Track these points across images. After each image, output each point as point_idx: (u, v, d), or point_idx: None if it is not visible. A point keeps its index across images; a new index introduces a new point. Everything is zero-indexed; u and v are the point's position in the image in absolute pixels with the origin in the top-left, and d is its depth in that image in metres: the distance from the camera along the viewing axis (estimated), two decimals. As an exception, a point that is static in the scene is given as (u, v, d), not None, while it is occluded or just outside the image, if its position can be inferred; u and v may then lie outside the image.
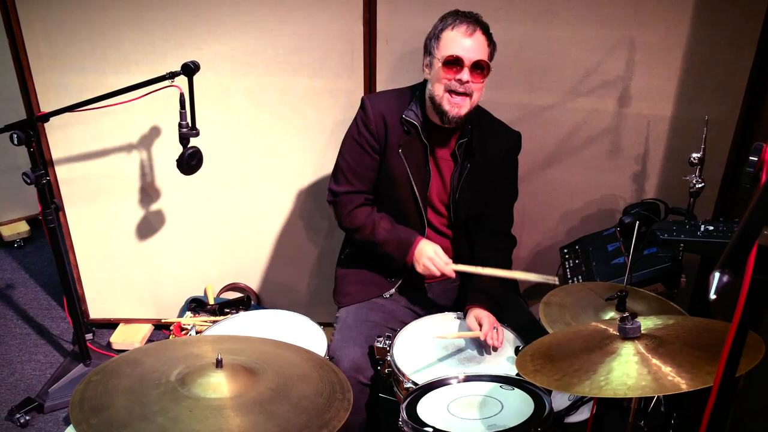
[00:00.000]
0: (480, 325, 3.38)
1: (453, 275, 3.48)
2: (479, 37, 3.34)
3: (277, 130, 4.41)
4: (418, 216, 3.64)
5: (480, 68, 3.34)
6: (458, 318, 3.58)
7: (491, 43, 3.41)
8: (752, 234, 1.58)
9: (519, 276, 3.42)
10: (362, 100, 3.61)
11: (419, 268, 3.51)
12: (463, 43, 3.32)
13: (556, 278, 3.31)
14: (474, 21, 3.36)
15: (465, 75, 3.32)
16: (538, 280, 3.34)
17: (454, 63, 3.32)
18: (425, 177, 3.58)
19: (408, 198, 3.60)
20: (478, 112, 3.59)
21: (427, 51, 3.46)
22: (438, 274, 3.47)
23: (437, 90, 3.39)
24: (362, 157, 3.59)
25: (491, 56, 3.42)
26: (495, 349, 3.36)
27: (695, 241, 3.14)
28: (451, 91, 3.35)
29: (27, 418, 4.15)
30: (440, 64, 3.35)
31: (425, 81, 3.52)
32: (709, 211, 4.23)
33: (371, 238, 3.60)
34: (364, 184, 3.63)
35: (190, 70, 3.76)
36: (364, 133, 3.55)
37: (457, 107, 3.36)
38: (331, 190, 3.69)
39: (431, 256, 3.47)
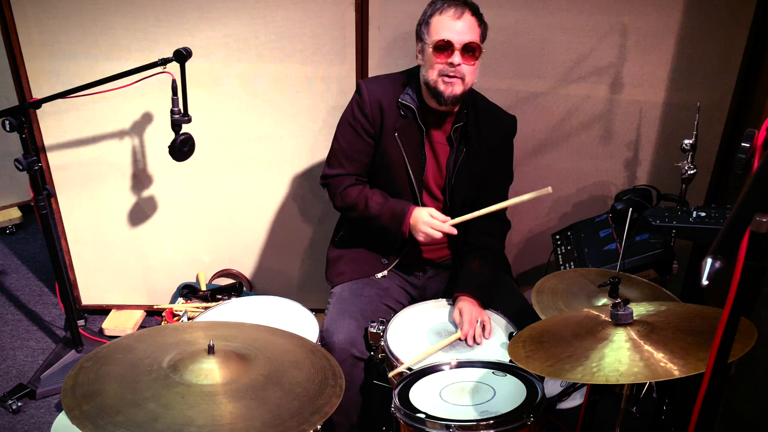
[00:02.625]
0: (461, 316, 3.41)
1: (454, 232, 3.47)
2: (468, 18, 3.34)
3: (269, 117, 4.40)
4: (413, 200, 3.62)
5: (471, 50, 3.34)
6: (450, 304, 3.59)
7: (482, 24, 3.40)
8: (744, 220, 1.58)
9: (513, 202, 3.40)
10: (358, 84, 3.61)
11: (420, 237, 3.50)
12: (452, 26, 3.32)
13: (549, 188, 3.29)
14: (462, 3, 3.36)
15: (456, 58, 3.32)
16: (531, 196, 3.32)
17: (444, 47, 3.33)
18: (421, 161, 3.58)
19: (404, 182, 3.60)
20: (473, 96, 3.60)
21: (419, 37, 3.46)
22: (440, 236, 3.47)
23: (431, 75, 3.40)
24: (357, 141, 3.59)
25: (483, 37, 3.42)
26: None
27: (687, 228, 3.15)
28: (443, 75, 3.36)
29: (19, 404, 4.15)
30: (431, 49, 3.36)
31: (419, 66, 3.52)
32: (701, 197, 4.24)
33: (365, 213, 3.60)
34: (356, 168, 3.64)
35: (182, 56, 3.75)
36: (359, 117, 3.55)
37: (451, 86, 3.36)
38: (323, 173, 3.70)
39: (426, 220, 3.46)
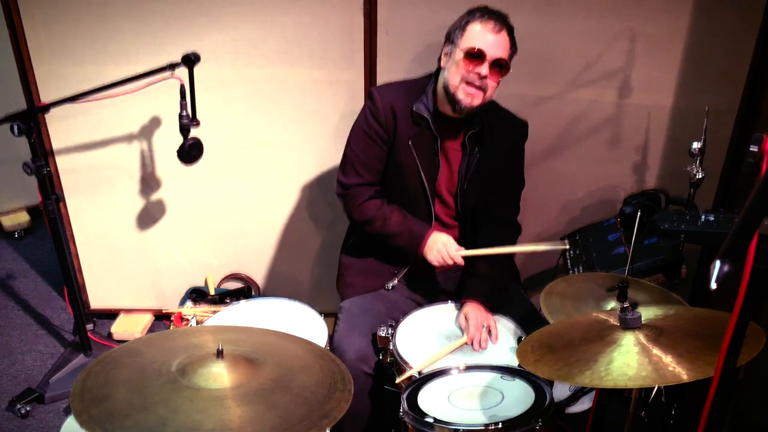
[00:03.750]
0: (467, 321, 3.41)
1: (462, 263, 3.50)
2: (504, 36, 3.35)
3: (277, 121, 4.41)
4: (426, 207, 3.63)
5: (500, 66, 3.34)
6: (458, 308, 3.58)
7: (513, 46, 3.42)
8: (753, 224, 1.59)
9: (527, 249, 3.40)
10: (370, 91, 3.60)
11: (430, 258, 3.51)
12: (488, 38, 3.31)
13: (566, 241, 3.30)
14: (503, 20, 3.36)
15: (484, 70, 3.31)
16: (546, 248, 3.34)
17: (476, 56, 3.31)
18: (434, 169, 3.58)
19: (417, 190, 3.60)
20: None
21: (450, 40, 3.44)
22: (450, 263, 3.48)
23: (453, 79, 3.38)
24: (371, 147, 3.58)
25: (511, 58, 3.42)
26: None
27: (696, 232, 3.15)
28: (467, 83, 3.35)
29: (28, 408, 4.16)
30: (462, 55, 3.34)
31: (436, 72, 3.53)
32: (709, 201, 4.23)
33: (382, 231, 3.60)
34: (372, 175, 3.63)
35: (190, 61, 3.76)
36: (372, 124, 3.54)
37: (470, 97, 3.35)
38: (339, 182, 3.68)
39: (445, 242, 3.48)
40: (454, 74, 3.38)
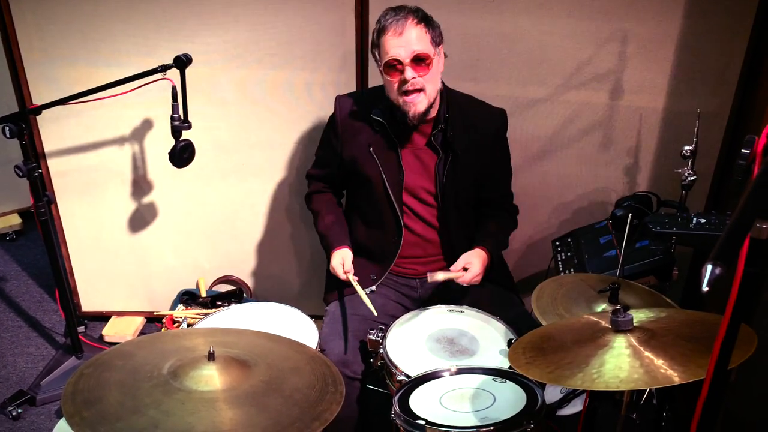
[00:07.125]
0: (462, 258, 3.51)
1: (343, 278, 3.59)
2: (411, 29, 3.30)
3: (269, 123, 4.40)
4: (392, 213, 3.65)
5: (420, 60, 3.32)
6: (450, 311, 3.58)
7: (430, 28, 3.36)
8: (744, 226, 1.58)
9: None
10: (335, 99, 3.68)
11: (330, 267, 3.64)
12: (395, 43, 3.31)
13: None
14: (403, 15, 3.32)
15: (408, 73, 3.32)
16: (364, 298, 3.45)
17: (393, 67, 3.34)
18: (397, 174, 3.59)
19: (382, 196, 3.62)
20: (455, 98, 3.60)
21: (375, 59, 3.48)
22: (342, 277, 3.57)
23: (392, 95, 3.43)
24: (326, 151, 3.77)
25: (436, 40, 3.39)
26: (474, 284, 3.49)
27: (687, 234, 3.15)
28: (403, 92, 3.37)
29: (19, 410, 4.15)
30: (384, 72, 3.40)
31: None
32: (701, 203, 4.23)
33: (316, 227, 3.84)
34: (324, 175, 3.84)
35: (182, 62, 3.75)
36: (330, 132, 3.72)
37: (413, 105, 3.38)
38: (307, 172, 3.92)
39: (333, 264, 3.61)
40: (390, 90, 3.44)
